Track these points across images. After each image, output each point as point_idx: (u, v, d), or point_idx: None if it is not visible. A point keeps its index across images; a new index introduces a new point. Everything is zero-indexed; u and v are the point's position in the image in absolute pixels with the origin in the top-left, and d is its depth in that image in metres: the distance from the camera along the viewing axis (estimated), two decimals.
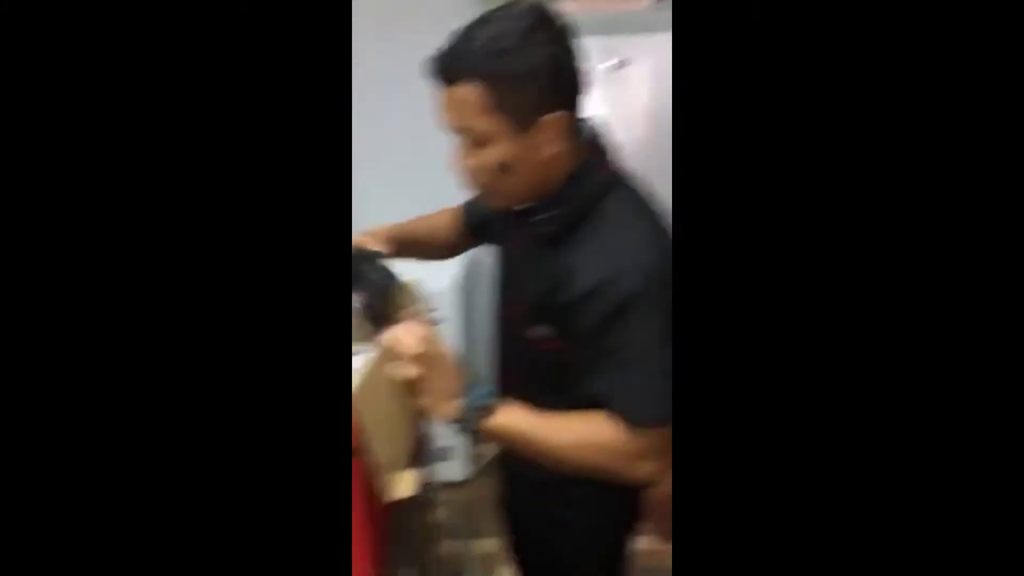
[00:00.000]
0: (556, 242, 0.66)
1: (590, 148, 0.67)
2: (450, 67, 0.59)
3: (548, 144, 0.62)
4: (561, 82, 0.61)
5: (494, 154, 0.62)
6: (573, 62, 0.61)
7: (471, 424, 0.64)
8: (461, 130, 0.62)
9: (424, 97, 0.70)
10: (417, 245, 0.88)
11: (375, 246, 0.78)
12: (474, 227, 0.87)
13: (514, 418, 0.65)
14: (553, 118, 0.60)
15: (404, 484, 0.68)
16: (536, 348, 0.70)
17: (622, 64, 1.37)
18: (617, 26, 1.54)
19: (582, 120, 0.67)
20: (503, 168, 0.62)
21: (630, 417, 0.63)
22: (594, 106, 0.81)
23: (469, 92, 0.58)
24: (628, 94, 1.54)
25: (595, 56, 1.34)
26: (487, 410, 0.64)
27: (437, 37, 0.62)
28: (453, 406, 0.63)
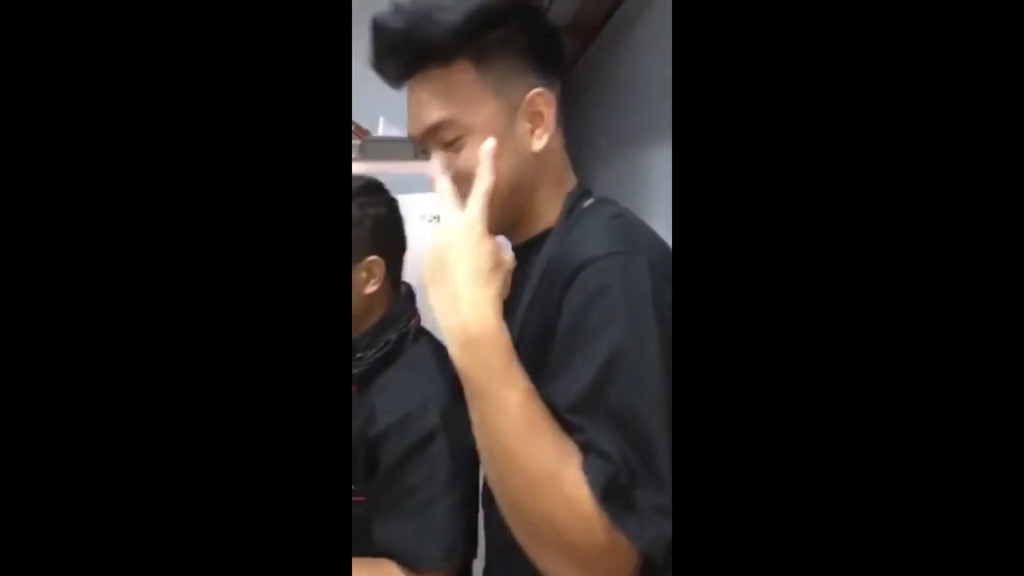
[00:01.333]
0: (366, 383, 0.69)
1: (403, 298, 0.76)
2: None
3: (364, 284, 0.70)
4: (379, 238, 0.71)
5: None
6: (391, 226, 0.74)
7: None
8: None
9: None
10: None
11: None
12: None
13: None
14: (369, 262, 0.70)
15: None
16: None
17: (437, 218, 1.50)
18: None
19: (398, 273, 0.76)
20: None
21: (407, 561, 0.62)
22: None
23: None
24: None
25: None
26: None
27: None
28: None
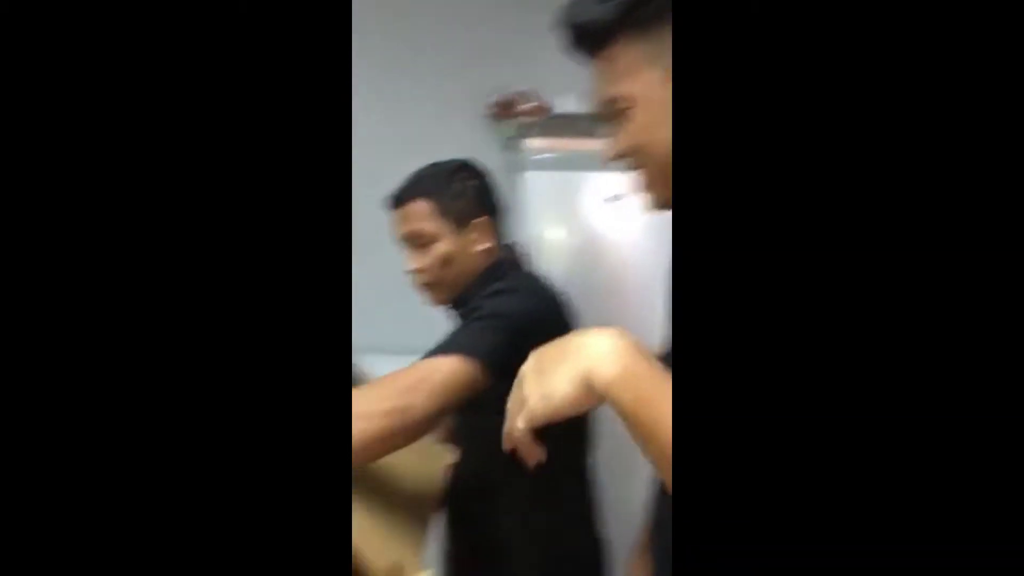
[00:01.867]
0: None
1: (507, 250, 0.90)
2: (403, 193, 0.86)
3: (477, 241, 0.85)
4: (483, 198, 0.87)
5: (439, 250, 0.84)
6: (489, 193, 0.88)
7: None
8: (412, 236, 0.85)
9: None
10: None
11: None
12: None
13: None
14: (477, 223, 0.85)
15: None
16: None
17: (617, 198, 1.51)
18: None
19: (501, 232, 0.89)
20: (446, 261, 0.84)
21: (449, 350, 0.67)
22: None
23: (419, 206, 0.85)
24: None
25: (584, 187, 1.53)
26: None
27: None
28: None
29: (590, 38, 0.55)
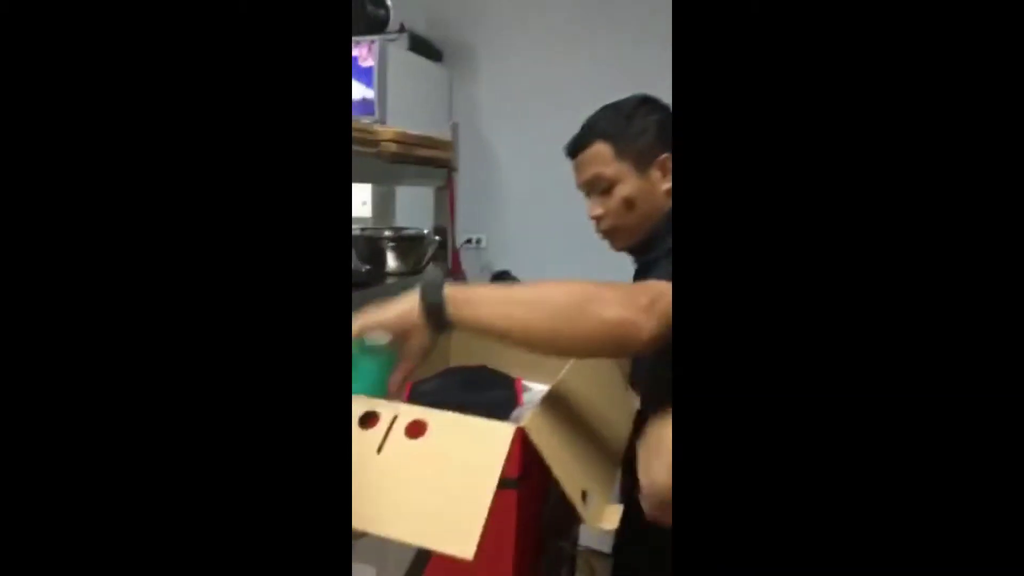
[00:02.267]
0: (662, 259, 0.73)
1: None
2: (580, 139, 0.82)
3: (661, 181, 0.80)
4: (666, 135, 0.80)
5: (621, 193, 0.80)
6: (670, 128, 0.80)
7: (439, 301, 0.57)
8: (592, 181, 0.81)
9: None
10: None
11: None
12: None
13: (485, 293, 0.58)
14: (664, 158, 0.79)
15: (609, 516, 0.57)
16: None
17: None
18: None
19: None
20: (628, 204, 0.80)
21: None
22: None
23: (598, 149, 0.80)
24: None
25: None
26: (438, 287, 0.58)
27: None
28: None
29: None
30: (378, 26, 2.05)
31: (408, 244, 1.26)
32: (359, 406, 0.55)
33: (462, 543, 0.45)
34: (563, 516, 0.64)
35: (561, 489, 0.52)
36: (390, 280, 1.21)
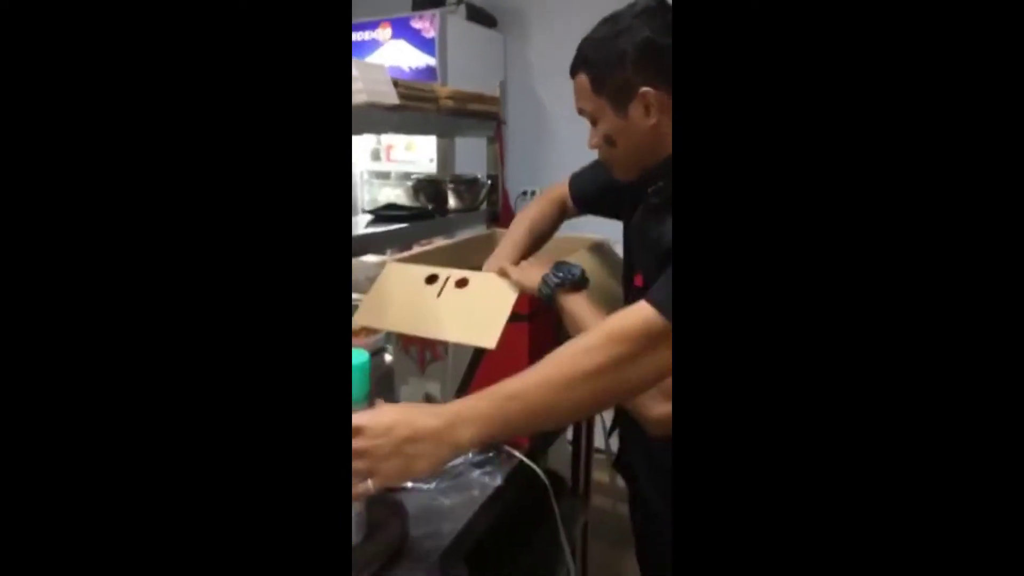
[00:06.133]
0: (658, 213, 0.73)
1: None
2: (573, 62, 0.75)
3: (643, 118, 0.71)
4: (650, 63, 0.69)
5: (601, 129, 0.75)
6: (661, 47, 0.68)
7: (550, 291, 0.76)
8: (581, 113, 0.77)
9: None
10: (539, 239, 0.99)
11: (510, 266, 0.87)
12: (581, 199, 0.98)
13: (581, 303, 0.75)
14: (643, 92, 0.69)
15: None
16: None
17: None
18: None
19: None
20: (608, 141, 0.75)
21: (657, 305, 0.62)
22: None
23: (580, 80, 0.74)
24: None
25: None
26: (572, 286, 0.76)
27: None
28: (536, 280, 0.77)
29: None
30: (439, 0, 2.30)
31: (465, 186, 1.53)
32: (423, 271, 0.83)
33: (488, 339, 0.72)
34: None
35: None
36: (451, 216, 1.48)
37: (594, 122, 0.76)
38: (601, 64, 0.71)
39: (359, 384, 0.64)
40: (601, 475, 0.99)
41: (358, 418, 0.53)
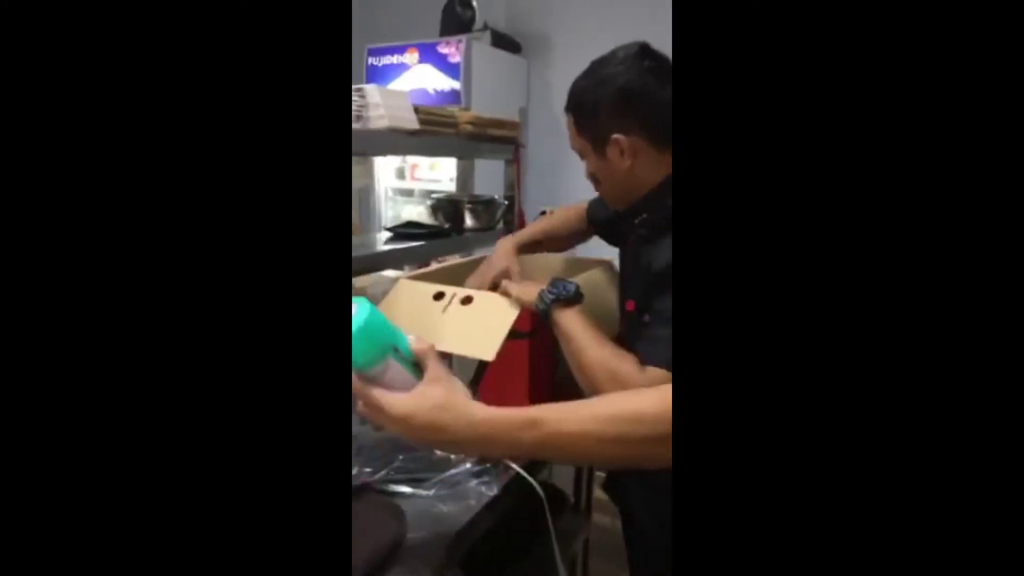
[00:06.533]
0: (648, 242, 0.77)
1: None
2: (566, 103, 0.82)
3: (619, 160, 0.77)
4: (625, 112, 0.75)
5: (587, 166, 0.83)
6: (647, 95, 0.74)
7: (546, 306, 0.78)
8: (573, 149, 0.84)
9: None
10: (552, 240, 1.09)
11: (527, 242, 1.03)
12: (593, 221, 1.06)
13: (572, 318, 0.77)
14: (619, 139, 0.75)
15: None
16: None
17: None
18: None
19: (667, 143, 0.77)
20: (592, 178, 0.84)
21: (641, 358, 0.70)
22: None
23: (568, 121, 0.82)
24: None
25: None
26: (565, 301, 0.78)
27: None
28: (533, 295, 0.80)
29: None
30: (466, 26, 2.38)
31: (482, 206, 1.58)
32: (432, 288, 0.88)
33: (488, 352, 0.76)
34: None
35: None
36: (467, 235, 1.54)
37: (582, 158, 0.83)
38: (580, 110, 0.79)
39: (370, 343, 0.56)
40: (603, 492, 1.02)
41: (402, 401, 0.53)
